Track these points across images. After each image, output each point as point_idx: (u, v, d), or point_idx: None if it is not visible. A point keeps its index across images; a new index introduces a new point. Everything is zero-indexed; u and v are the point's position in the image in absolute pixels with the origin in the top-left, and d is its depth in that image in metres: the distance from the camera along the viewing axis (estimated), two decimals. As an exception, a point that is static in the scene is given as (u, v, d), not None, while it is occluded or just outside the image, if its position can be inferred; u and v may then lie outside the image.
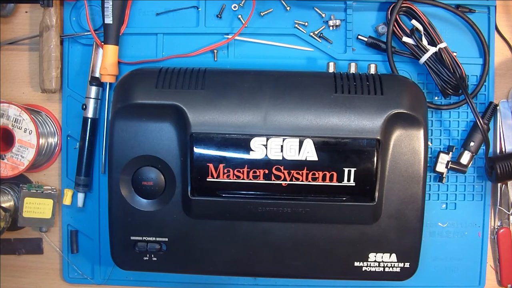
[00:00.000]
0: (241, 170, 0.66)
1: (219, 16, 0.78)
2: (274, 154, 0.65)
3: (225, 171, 0.66)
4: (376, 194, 0.67)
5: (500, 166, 0.74)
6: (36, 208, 0.78)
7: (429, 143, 0.74)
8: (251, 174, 0.66)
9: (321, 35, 0.79)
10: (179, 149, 0.67)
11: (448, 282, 0.79)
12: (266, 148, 0.65)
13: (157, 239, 0.70)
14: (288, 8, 0.78)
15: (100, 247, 0.80)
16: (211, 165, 0.66)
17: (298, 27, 0.78)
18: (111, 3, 0.74)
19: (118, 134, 0.67)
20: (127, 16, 0.78)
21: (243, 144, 0.65)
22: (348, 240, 0.69)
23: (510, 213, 0.78)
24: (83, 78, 0.79)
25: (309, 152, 0.65)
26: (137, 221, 0.69)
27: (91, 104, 0.77)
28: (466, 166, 0.77)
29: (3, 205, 0.77)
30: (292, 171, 0.66)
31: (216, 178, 0.66)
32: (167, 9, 0.79)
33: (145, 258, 0.71)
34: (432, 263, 0.79)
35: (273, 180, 0.66)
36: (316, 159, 0.65)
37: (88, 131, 0.77)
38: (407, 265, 0.70)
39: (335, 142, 0.65)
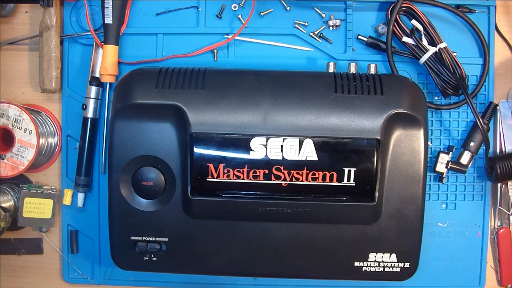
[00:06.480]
0: (241, 170, 0.66)
1: (219, 16, 0.78)
2: (274, 154, 0.65)
3: (225, 171, 0.66)
4: (376, 194, 0.67)
5: (500, 166, 0.74)
6: (36, 208, 0.78)
7: (429, 143, 0.74)
8: (251, 174, 0.66)
9: (321, 35, 0.79)
10: (179, 149, 0.67)
11: (448, 282, 0.79)
12: (266, 148, 0.65)
13: (157, 239, 0.70)
14: (288, 8, 0.78)
15: (100, 247, 0.80)
16: (211, 165, 0.66)
17: (298, 27, 0.78)
18: (111, 3, 0.74)
19: (118, 134, 0.67)
20: (127, 16, 0.78)
21: (243, 144, 0.65)
22: (348, 240, 0.69)
23: (510, 213, 0.78)
24: (83, 78, 0.79)
25: (309, 152, 0.65)
26: (137, 221, 0.69)
27: (91, 104, 0.77)
28: (466, 166, 0.77)
29: (3, 205, 0.77)
30: (292, 171, 0.66)
31: (216, 178, 0.66)
32: (167, 9, 0.79)
33: (145, 258, 0.71)
34: (432, 263, 0.79)
35: (273, 180, 0.66)
36: (316, 159, 0.65)
37: (88, 131, 0.77)
38: (407, 265, 0.70)
39: (335, 142, 0.65)
